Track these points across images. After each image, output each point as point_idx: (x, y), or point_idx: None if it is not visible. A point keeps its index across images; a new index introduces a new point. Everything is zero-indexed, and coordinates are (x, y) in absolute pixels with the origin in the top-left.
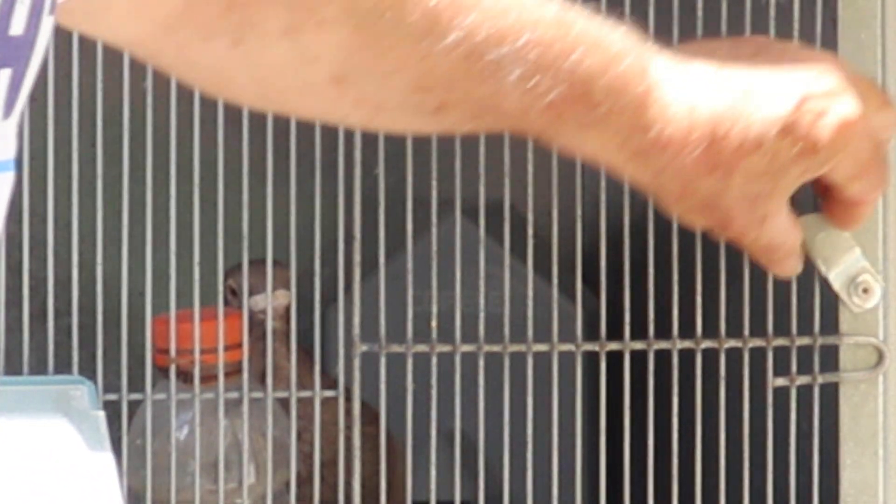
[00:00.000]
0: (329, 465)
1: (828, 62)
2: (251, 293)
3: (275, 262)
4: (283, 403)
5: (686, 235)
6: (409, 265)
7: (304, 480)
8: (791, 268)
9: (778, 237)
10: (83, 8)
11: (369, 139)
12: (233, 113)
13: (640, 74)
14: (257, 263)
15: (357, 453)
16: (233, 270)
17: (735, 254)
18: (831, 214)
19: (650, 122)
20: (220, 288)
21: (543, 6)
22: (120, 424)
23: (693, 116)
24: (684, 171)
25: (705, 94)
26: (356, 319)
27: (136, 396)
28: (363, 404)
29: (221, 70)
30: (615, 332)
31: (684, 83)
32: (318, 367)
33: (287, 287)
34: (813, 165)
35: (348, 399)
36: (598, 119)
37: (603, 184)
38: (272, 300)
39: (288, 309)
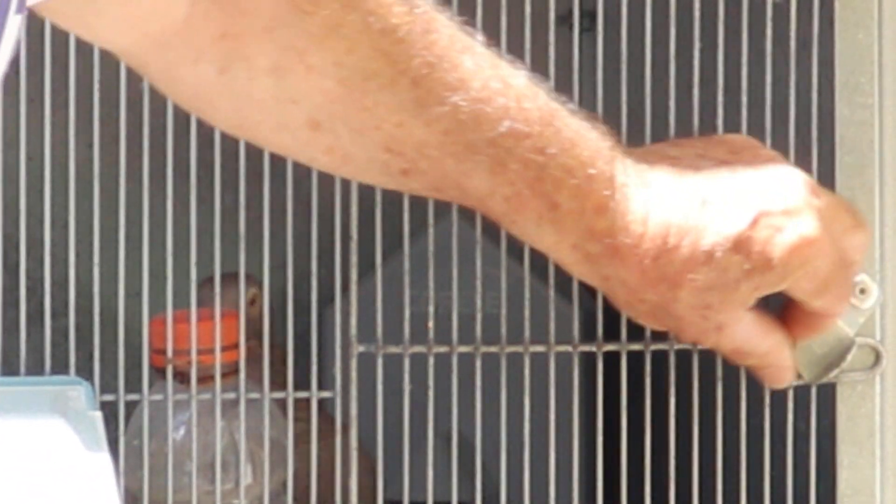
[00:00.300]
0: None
1: (796, 178)
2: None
3: (232, 277)
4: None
5: None
6: (406, 266)
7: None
8: (779, 378)
9: (745, 344)
10: (74, 11)
11: None
12: None
13: (606, 182)
14: (227, 278)
15: (353, 455)
16: (201, 284)
17: None
18: (794, 322)
19: (605, 230)
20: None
21: (529, 97)
22: (117, 425)
23: (646, 226)
24: (631, 280)
25: (662, 203)
26: (353, 320)
27: (133, 397)
28: (320, 412)
29: (204, 93)
30: (612, 333)
31: (645, 192)
32: (314, 368)
33: (234, 306)
34: (766, 282)
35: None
36: (556, 218)
37: None
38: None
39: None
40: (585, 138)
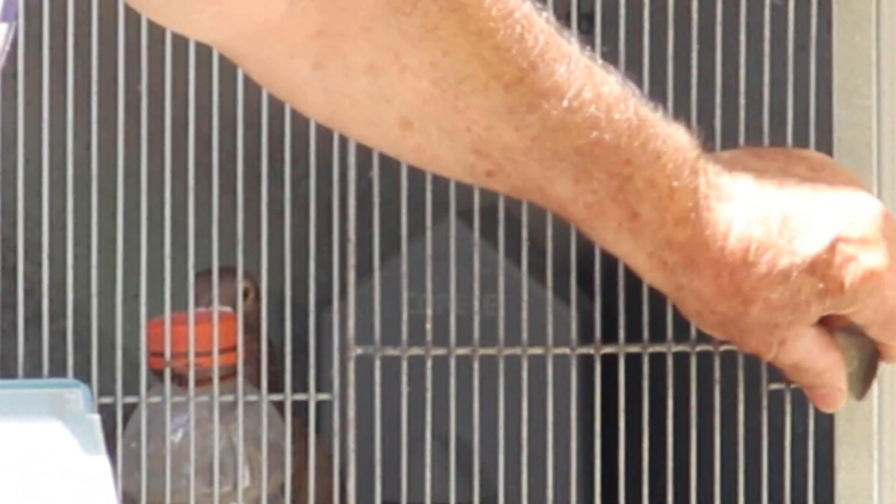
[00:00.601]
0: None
1: (873, 207)
2: (196, 304)
3: (229, 272)
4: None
5: None
6: (404, 268)
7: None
8: (832, 401)
9: (804, 360)
10: (162, 6)
11: None
12: (227, 116)
13: (690, 193)
14: (224, 271)
15: (351, 456)
16: (197, 276)
17: None
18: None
19: (684, 241)
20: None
21: (619, 107)
22: (115, 427)
23: (727, 240)
24: (705, 292)
25: (744, 218)
26: (351, 322)
27: (131, 399)
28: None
29: (298, 86)
30: (610, 336)
31: (727, 206)
32: (312, 371)
33: (231, 303)
34: (833, 306)
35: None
36: (636, 227)
37: None
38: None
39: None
40: (672, 149)
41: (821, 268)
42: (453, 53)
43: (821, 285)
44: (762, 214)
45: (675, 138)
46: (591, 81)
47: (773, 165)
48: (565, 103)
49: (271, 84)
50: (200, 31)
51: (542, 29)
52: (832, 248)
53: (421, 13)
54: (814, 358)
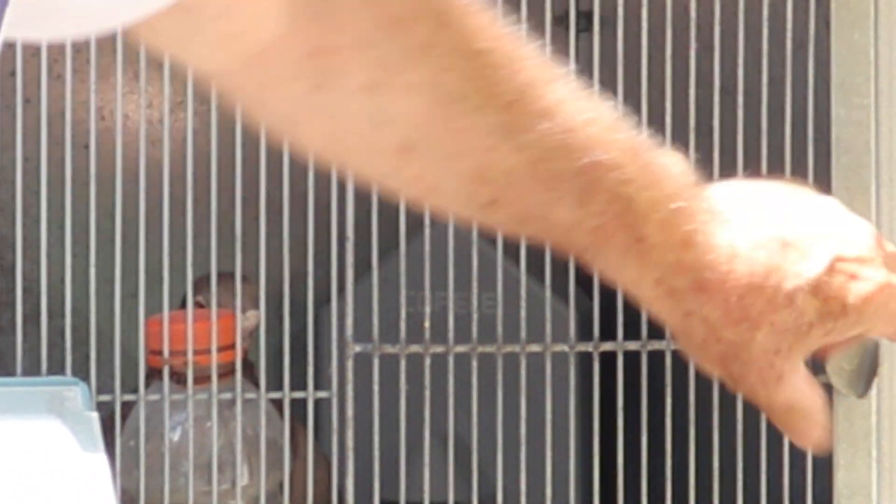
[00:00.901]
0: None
1: (865, 227)
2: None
3: (242, 278)
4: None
5: None
6: (403, 266)
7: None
8: (811, 437)
9: (795, 398)
10: (174, 27)
11: None
12: (226, 116)
13: (690, 216)
14: (226, 278)
15: (350, 454)
16: (200, 284)
17: None
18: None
19: (690, 265)
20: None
21: (616, 130)
22: (113, 425)
23: (733, 263)
24: (713, 316)
25: (746, 241)
26: (349, 320)
27: (129, 397)
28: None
29: (295, 114)
30: (608, 333)
31: (728, 229)
32: (311, 369)
33: (256, 306)
34: (837, 328)
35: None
36: (642, 251)
37: None
38: (244, 321)
39: (257, 328)
40: (670, 172)
41: (822, 289)
42: (451, 71)
43: (823, 307)
44: (763, 238)
45: (671, 163)
46: (586, 104)
47: (766, 187)
48: (562, 124)
49: (269, 113)
50: (201, 57)
51: (533, 54)
52: (831, 269)
53: (420, 30)
54: (804, 394)
